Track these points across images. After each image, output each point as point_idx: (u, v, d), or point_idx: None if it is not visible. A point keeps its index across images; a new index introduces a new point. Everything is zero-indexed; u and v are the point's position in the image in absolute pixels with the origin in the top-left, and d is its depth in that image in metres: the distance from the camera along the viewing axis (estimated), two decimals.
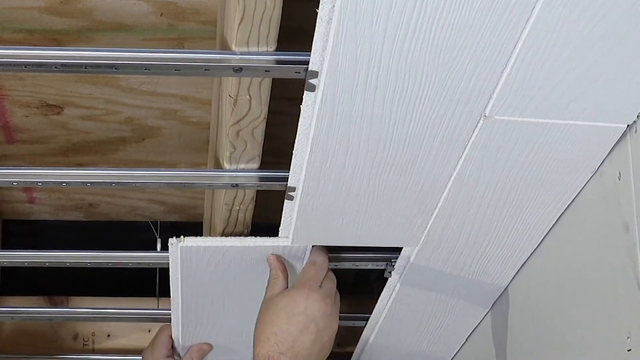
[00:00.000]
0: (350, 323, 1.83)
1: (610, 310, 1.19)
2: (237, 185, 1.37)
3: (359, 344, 1.84)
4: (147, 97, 1.61)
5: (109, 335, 1.98)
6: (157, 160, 1.77)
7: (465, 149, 1.19)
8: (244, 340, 1.73)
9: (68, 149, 1.74)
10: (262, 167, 1.39)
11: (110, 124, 1.68)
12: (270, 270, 1.47)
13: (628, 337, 1.13)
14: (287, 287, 1.45)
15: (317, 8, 0.98)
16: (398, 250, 1.50)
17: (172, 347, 1.74)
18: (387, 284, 1.59)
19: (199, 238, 1.45)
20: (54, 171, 1.38)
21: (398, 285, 1.56)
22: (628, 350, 1.13)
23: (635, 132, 1.12)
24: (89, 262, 1.58)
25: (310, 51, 1.05)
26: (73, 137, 1.71)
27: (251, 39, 1.11)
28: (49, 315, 1.86)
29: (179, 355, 1.74)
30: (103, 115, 1.66)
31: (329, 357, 1.98)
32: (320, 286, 1.43)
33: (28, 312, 1.84)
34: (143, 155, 1.76)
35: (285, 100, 1.44)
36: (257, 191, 1.46)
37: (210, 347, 1.73)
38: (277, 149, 1.40)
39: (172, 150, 1.75)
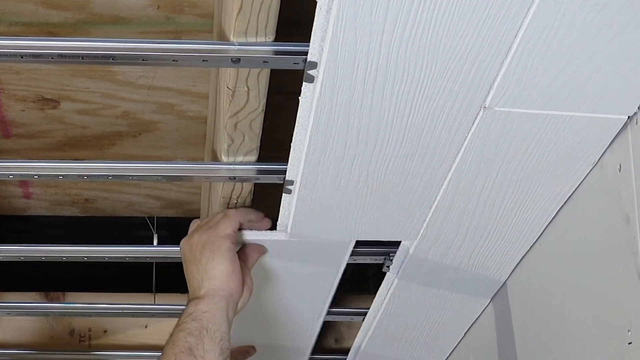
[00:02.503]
0: (348, 318, 1.82)
1: (610, 303, 1.18)
2: (235, 178, 1.37)
3: (356, 339, 1.83)
4: (144, 91, 1.60)
5: (105, 331, 1.97)
6: (153, 154, 1.76)
7: (464, 140, 1.18)
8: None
9: (64, 143, 1.73)
10: (259, 161, 1.38)
11: (106, 118, 1.67)
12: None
13: (629, 330, 1.13)
14: None
15: None
16: (396, 244, 1.49)
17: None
18: (385, 278, 1.58)
19: None
20: (50, 164, 1.37)
21: (396, 279, 1.56)
22: (629, 344, 1.13)
23: (636, 124, 1.11)
24: (86, 257, 1.57)
25: (309, 42, 1.05)
26: (69, 131, 1.70)
27: (249, 29, 1.10)
28: (46, 310, 1.86)
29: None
30: (99, 110, 1.64)
31: (328, 352, 1.99)
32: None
33: (24, 308, 1.84)
34: (140, 150, 1.75)
35: (282, 94, 1.43)
36: (255, 185, 1.45)
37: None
38: (274, 143, 1.39)
39: (169, 144, 1.74)
